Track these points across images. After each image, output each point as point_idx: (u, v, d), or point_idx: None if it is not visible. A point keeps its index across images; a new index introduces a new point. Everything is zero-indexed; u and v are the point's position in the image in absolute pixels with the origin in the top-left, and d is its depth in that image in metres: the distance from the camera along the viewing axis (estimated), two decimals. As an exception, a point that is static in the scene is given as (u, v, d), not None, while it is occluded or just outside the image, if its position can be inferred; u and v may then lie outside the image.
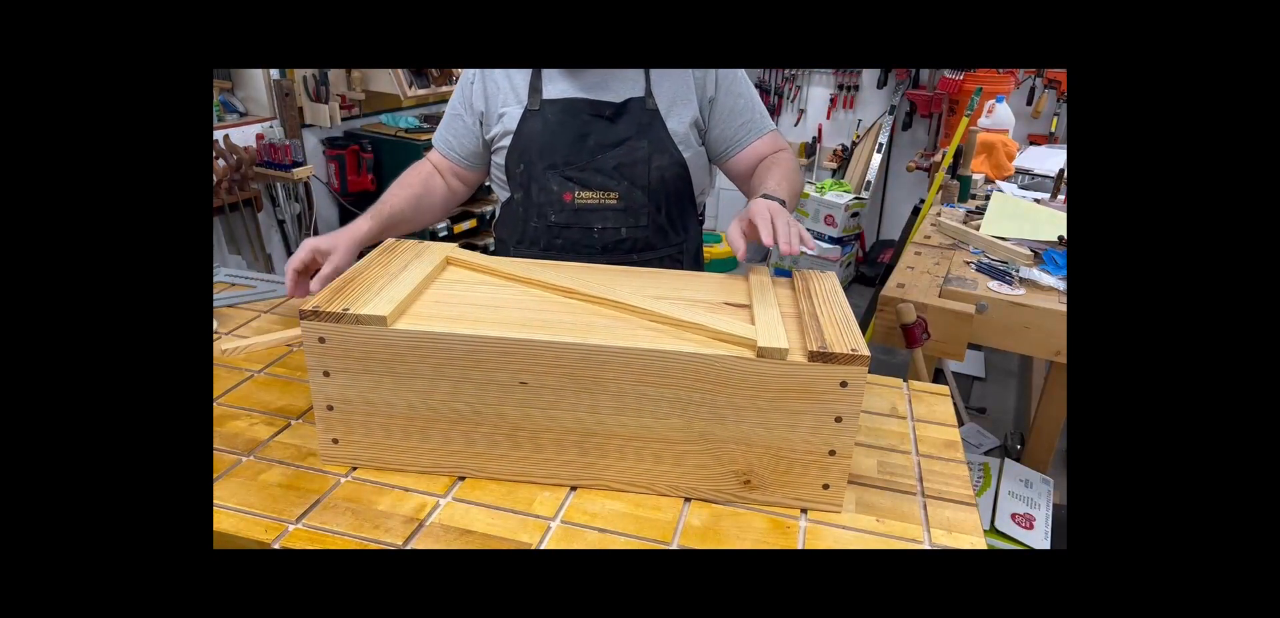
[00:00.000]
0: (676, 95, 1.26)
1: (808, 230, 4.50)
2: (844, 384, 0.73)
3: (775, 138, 1.32)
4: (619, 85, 1.26)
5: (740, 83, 1.31)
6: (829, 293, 0.88)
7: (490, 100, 1.31)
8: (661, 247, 1.30)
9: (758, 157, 1.30)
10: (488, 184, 1.44)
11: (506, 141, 1.29)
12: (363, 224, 1.22)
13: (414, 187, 1.34)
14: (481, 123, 1.32)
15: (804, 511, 0.80)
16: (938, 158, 3.06)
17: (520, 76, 1.30)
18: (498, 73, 1.32)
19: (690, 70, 1.27)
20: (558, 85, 1.27)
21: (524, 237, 1.31)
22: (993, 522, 1.47)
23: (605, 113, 1.25)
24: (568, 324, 0.79)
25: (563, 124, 1.26)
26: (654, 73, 1.26)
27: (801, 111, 4.62)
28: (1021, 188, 2.32)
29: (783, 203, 1.04)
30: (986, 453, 1.99)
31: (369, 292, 0.81)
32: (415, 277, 0.86)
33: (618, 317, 0.82)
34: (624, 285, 0.90)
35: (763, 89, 4.64)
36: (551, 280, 0.89)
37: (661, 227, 1.30)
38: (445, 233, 3.47)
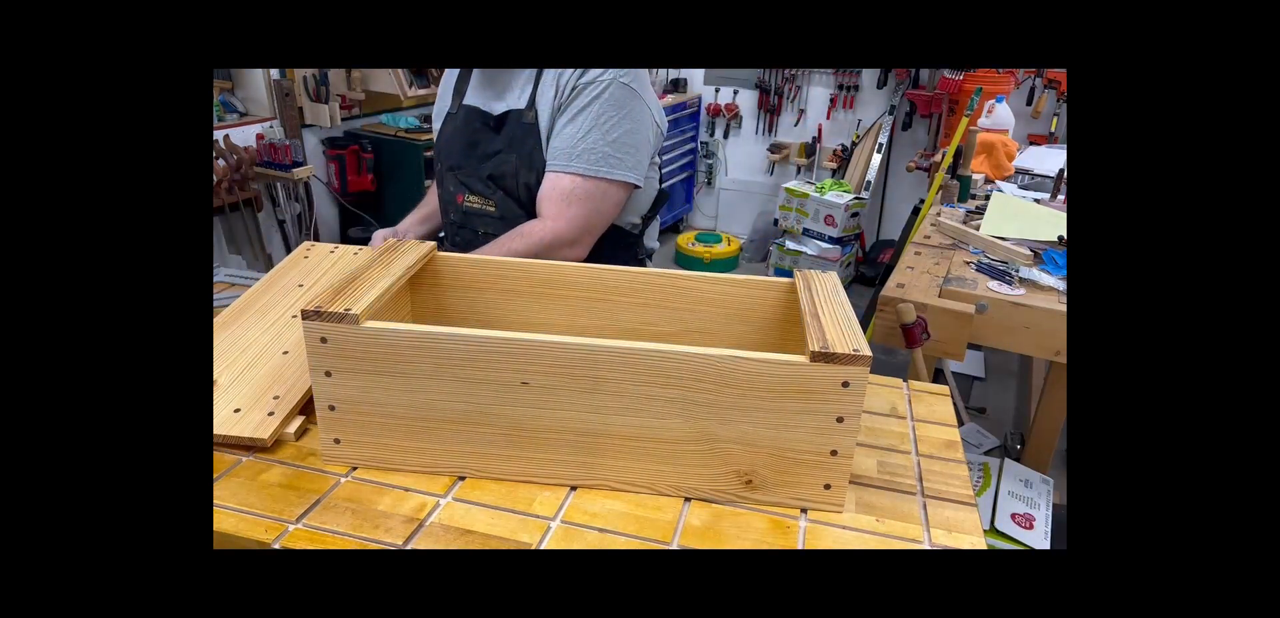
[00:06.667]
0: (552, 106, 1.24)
1: (807, 230, 4.48)
2: (846, 384, 0.73)
3: (567, 196, 1.16)
4: (507, 95, 1.28)
5: (590, 110, 1.16)
6: (830, 293, 0.88)
7: (439, 100, 1.43)
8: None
9: (541, 199, 1.21)
10: None
11: None
12: (405, 220, 1.48)
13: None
14: None
15: (804, 510, 0.80)
16: (938, 158, 3.07)
17: (453, 78, 1.39)
18: (450, 73, 1.41)
19: (566, 75, 1.19)
20: (471, 90, 1.34)
21: (446, 230, 1.43)
22: (993, 522, 1.47)
23: (490, 123, 1.28)
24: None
25: (461, 129, 1.32)
26: (542, 84, 1.22)
27: (801, 111, 4.62)
28: (1021, 188, 2.32)
29: None
30: (986, 453, 1.99)
31: (370, 291, 0.81)
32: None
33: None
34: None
35: (763, 89, 4.64)
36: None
37: None
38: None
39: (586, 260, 1.26)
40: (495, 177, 1.28)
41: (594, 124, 1.17)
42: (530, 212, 1.28)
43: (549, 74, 1.23)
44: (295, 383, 0.92)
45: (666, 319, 0.99)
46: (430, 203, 1.52)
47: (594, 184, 1.18)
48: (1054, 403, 1.73)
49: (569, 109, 1.19)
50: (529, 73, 1.25)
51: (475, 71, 1.33)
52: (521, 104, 1.25)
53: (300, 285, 1.12)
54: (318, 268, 1.16)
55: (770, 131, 4.75)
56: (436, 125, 1.42)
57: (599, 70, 1.18)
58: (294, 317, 1.05)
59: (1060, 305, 1.41)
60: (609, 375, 0.75)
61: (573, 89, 1.18)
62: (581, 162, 1.17)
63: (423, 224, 1.50)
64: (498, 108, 1.28)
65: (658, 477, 0.80)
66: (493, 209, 1.30)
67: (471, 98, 1.33)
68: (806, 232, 4.23)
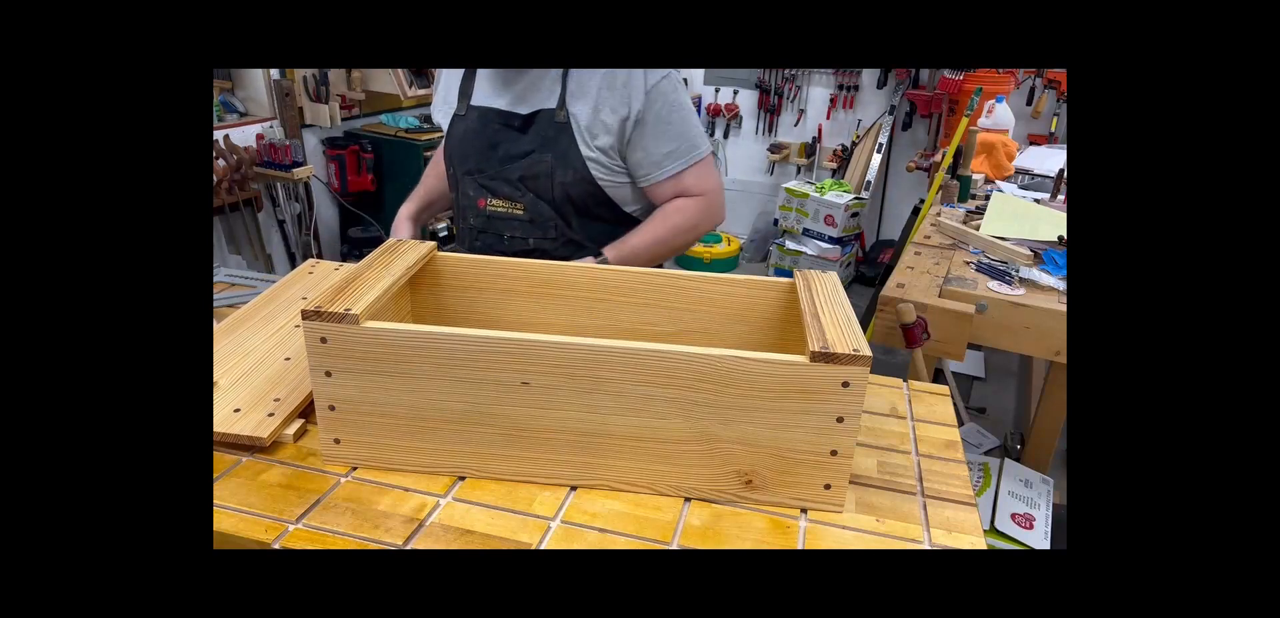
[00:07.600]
0: (600, 109, 1.23)
1: (807, 230, 4.49)
2: (846, 384, 0.73)
3: (699, 175, 1.28)
4: (534, 96, 1.27)
5: (674, 105, 1.25)
6: (830, 293, 0.88)
7: (444, 99, 1.42)
8: (577, 260, 1.27)
9: (673, 195, 1.28)
10: None
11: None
12: (407, 205, 1.47)
13: (440, 163, 1.46)
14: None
15: (804, 510, 0.80)
16: (938, 158, 3.07)
17: (457, 79, 1.37)
18: (451, 74, 1.40)
19: (623, 83, 1.22)
20: (482, 91, 1.32)
21: (462, 234, 1.40)
22: (993, 522, 1.47)
23: (514, 123, 1.27)
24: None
25: (477, 131, 1.30)
26: (573, 84, 1.24)
27: (801, 112, 4.62)
28: (1021, 188, 2.32)
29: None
30: (986, 453, 1.99)
31: (369, 291, 0.81)
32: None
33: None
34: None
35: (763, 89, 4.64)
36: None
37: (574, 241, 1.30)
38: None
39: (608, 240, 1.30)
40: (526, 178, 1.27)
41: (682, 117, 1.26)
42: (562, 213, 1.28)
43: (581, 75, 1.23)
44: (296, 387, 0.92)
45: (666, 319, 0.99)
46: (426, 192, 1.51)
47: (707, 159, 1.31)
48: (1054, 403, 1.73)
49: (651, 119, 1.24)
50: (555, 73, 1.25)
51: (483, 72, 1.32)
52: (552, 103, 1.25)
53: (304, 298, 1.13)
54: (323, 284, 1.16)
55: (770, 132, 4.75)
56: (443, 128, 1.42)
57: (643, 71, 1.23)
58: (296, 326, 1.05)
59: (1060, 305, 1.41)
60: (609, 375, 0.75)
61: (646, 95, 1.22)
62: (695, 150, 1.29)
63: (426, 212, 1.50)
64: (523, 108, 1.27)
65: (658, 477, 0.80)
66: (521, 212, 1.28)
67: (483, 99, 1.31)
68: (806, 232, 4.23)
